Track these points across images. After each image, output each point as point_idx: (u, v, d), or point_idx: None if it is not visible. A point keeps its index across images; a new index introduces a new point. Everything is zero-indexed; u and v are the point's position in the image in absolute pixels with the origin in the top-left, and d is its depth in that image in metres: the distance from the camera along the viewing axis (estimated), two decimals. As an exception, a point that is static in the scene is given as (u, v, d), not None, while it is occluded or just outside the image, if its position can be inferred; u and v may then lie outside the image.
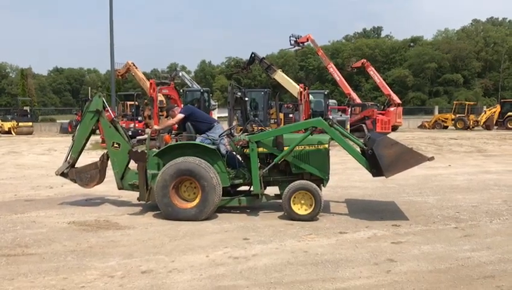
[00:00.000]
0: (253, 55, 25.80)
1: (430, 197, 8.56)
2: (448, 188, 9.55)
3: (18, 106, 35.81)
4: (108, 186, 8.70)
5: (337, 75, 31.79)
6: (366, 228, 6.30)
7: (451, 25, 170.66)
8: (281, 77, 24.67)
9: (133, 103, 28.52)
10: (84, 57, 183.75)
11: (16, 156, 17.07)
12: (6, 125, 31.92)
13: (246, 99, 17.98)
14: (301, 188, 6.74)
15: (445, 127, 35.84)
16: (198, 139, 7.45)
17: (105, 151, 8.07)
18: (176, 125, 8.24)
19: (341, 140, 7.05)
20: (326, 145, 7.05)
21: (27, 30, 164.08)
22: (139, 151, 7.48)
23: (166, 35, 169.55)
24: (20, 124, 32.24)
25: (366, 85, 72.60)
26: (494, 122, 34.62)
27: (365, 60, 35.36)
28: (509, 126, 33.67)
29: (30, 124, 33.11)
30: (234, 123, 14.95)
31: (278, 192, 7.28)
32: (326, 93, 26.30)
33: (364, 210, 7.40)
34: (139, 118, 26.95)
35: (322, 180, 7.12)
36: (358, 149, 7.32)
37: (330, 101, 29.78)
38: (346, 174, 11.39)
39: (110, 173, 7.96)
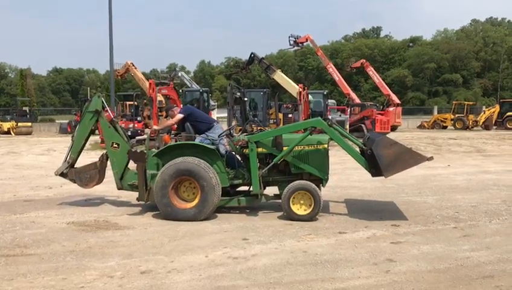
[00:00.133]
0: (252, 55, 25.80)
1: (429, 197, 8.57)
2: (448, 188, 9.55)
3: (17, 106, 35.79)
4: (108, 186, 8.70)
5: (337, 75, 31.80)
6: (365, 228, 6.30)
7: (450, 25, 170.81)
8: (280, 77, 24.67)
9: (132, 103, 28.51)
10: (83, 57, 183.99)
11: (15, 156, 17.06)
12: (6, 125, 31.89)
13: (245, 99, 17.97)
14: (300, 188, 6.74)
15: (445, 127, 35.86)
16: (198, 140, 7.45)
17: (104, 151, 8.06)
18: (175, 126, 8.24)
19: (340, 140, 7.05)
20: (326, 145, 7.06)
21: (26, 30, 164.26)
22: (138, 151, 7.48)
23: (165, 35, 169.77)
24: (19, 124, 32.21)
25: (366, 85, 72.63)
26: (493, 122, 34.67)
27: (364, 60, 35.39)
28: (508, 126, 33.71)
29: (29, 124, 33.09)
30: (233, 123, 14.95)
31: (277, 192, 7.28)
32: (325, 93, 26.30)
33: (364, 210, 7.40)
34: (139, 118, 26.96)
35: (321, 180, 7.13)
36: (358, 149, 7.32)
37: (329, 101, 29.77)
38: (345, 174, 11.39)
39: (109, 173, 7.96)
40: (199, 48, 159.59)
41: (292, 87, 23.28)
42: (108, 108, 8.11)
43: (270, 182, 7.28)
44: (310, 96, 22.59)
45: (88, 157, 11.33)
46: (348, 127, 23.92)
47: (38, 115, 46.78)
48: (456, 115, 35.68)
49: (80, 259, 5.09)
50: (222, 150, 7.36)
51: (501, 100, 42.11)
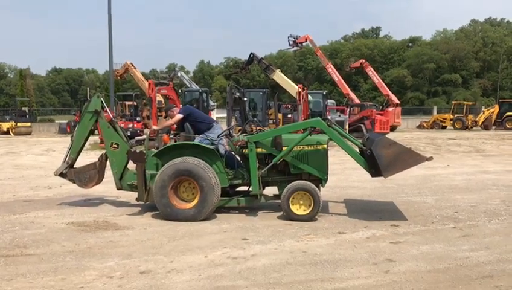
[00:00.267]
0: (251, 55, 25.79)
1: (428, 197, 8.57)
2: (447, 188, 9.56)
3: (16, 106, 35.71)
4: (107, 186, 8.69)
5: (336, 76, 31.79)
6: (364, 228, 6.31)
7: (449, 25, 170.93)
8: (279, 77, 24.67)
9: (131, 103, 28.49)
10: (82, 57, 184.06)
11: (14, 156, 17.05)
12: (5, 125, 31.86)
13: (245, 99, 17.97)
14: (300, 189, 6.74)
15: (444, 127, 35.90)
16: (197, 140, 7.45)
17: (104, 151, 8.06)
18: (175, 126, 8.24)
19: (340, 140, 7.05)
20: (325, 146, 7.06)
21: (26, 30, 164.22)
22: (137, 151, 7.47)
23: (165, 35, 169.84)
24: (19, 124, 32.18)
25: (365, 85, 72.64)
26: (493, 122, 34.71)
27: (364, 60, 35.36)
28: (508, 126, 33.75)
29: (28, 124, 33.06)
30: (233, 123, 14.96)
31: (277, 192, 7.28)
32: (324, 93, 26.31)
33: (363, 210, 7.40)
34: (138, 119, 26.95)
35: (320, 181, 7.13)
36: (357, 149, 7.32)
37: (329, 101, 29.78)
38: (344, 174, 11.39)
39: (108, 173, 7.96)
40: (198, 48, 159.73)
41: (291, 88, 23.28)
42: (107, 108, 8.10)
43: (269, 182, 7.28)
44: (309, 96, 22.60)
45: (87, 158, 11.32)
46: (347, 127, 23.94)
47: (37, 115, 46.75)
48: (456, 115, 35.72)
49: (79, 259, 5.09)
50: (221, 150, 7.36)
51: (500, 100, 42.15)
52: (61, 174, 7.99)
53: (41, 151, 18.67)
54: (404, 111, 39.66)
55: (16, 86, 60.13)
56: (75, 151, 7.99)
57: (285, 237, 5.89)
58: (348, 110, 28.85)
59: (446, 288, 4.27)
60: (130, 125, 25.04)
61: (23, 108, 36.66)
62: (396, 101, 31.45)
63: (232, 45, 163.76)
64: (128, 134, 12.66)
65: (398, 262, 4.94)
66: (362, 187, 9.56)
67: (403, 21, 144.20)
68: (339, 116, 27.89)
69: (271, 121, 22.00)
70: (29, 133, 31.94)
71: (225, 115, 20.28)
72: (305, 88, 22.15)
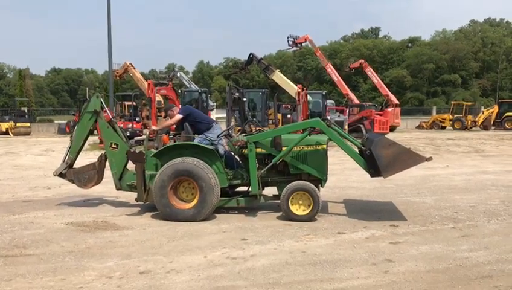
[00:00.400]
0: (251, 55, 25.79)
1: (428, 197, 8.57)
2: (446, 188, 9.56)
3: (15, 106, 35.69)
4: (107, 187, 8.69)
5: (335, 76, 31.79)
6: (364, 229, 6.31)
7: (449, 25, 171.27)
8: (279, 77, 24.67)
9: (131, 103, 28.48)
10: (82, 57, 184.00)
11: (13, 156, 17.04)
12: (4, 126, 31.84)
13: (244, 99, 18.01)
14: (299, 189, 6.74)
15: (443, 128, 35.92)
16: (197, 140, 7.45)
17: (103, 151, 8.06)
18: (174, 126, 8.24)
19: (339, 140, 7.05)
20: (325, 146, 7.06)
21: (25, 30, 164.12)
22: (137, 151, 7.47)
23: (164, 35, 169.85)
24: (18, 124, 32.17)
25: (364, 85, 72.66)
26: (492, 122, 34.73)
27: (363, 61, 35.37)
28: (507, 126, 33.76)
29: (28, 124, 33.05)
30: (232, 124, 14.97)
31: (276, 192, 7.28)
32: (324, 93, 26.33)
33: (362, 210, 7.40)
34: (137, 119, 26.94)
35: (320, 181, 7.13)
36: (356, 150, 7.32)
37: (328, 101, 29.79)
38: (344, 174, 11.40)
39: (108, 173, 7.96)
40: (198, 48, 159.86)
41: (291, 88, 23.28)
42: (107, 108, 8.10)
43: (269, 182, 7.28)
44: (308, 96, 22.62)
45: (87, 158, 11.32)
46: (346, 127, 23.94)
47: (36, 115, 46.73)
48: (455, 116, 35.74)
49: (78, 259, 5.09)
50: (221, 150, 7.36)
51: (499, 100, 42.17)
52: (61, 175, 7.99)
53: (41, 152, 18.66)
54: (403, 111, 39.66)
55: (15, 86, 60.12)
56: (75, 151, 7.99)
57: (284, 237, 5.89)
58: (347, 111, 28.87)
59: (445, 288, 4.27)
60: (130, 126, 25.03)
61: (22, 108, 36.65)
62: (396, 101, 31.46)
63: (232, 45, 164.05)
64: (128, 134, 12.66)
65: (398, 262, 4.94)
66: (361, 187, 9.56)
67: (402, 21, 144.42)
68: (339, 116, 27.91)
69: (270, 121, 22.01)
70: (28, 134, 31.93)
71: (224, 115, 20.28)
72: (305, 88, 22.17)
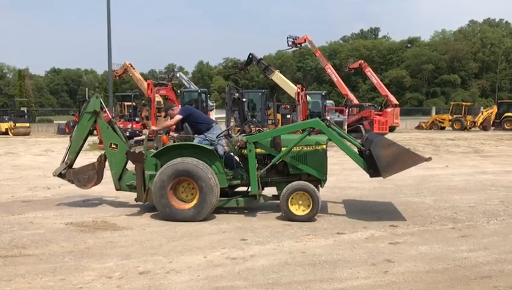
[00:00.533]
0: (250, 56, 25.81)
1: (427, 197, 8.58)
2: (446, 188, 9.57)
3: (15, 106, 35.66)
4: (106, 187, 8.69)
5: (335, 76, 31.81)
6: (363, 229, 6.31)
7: (448, 26, 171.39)
8: (278, 77, 24.68)
9: (130, 103, 28.48)
10: (81, 57, 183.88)
11: (13, 157, 17.03)
12: (4, 126, 31.82)
13: (244, 100, 18.00)
14: (299, 189, 6.74)
15: (443, 128, 35.92)
16: (196, 140, 7.45)
17: (102, 152, 8.06)
18: (174, 126, 8.24)
19: (338, 141, 7.06)
20: (324, 146, 7.06)
21: (25, 30, 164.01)
22: (136, 152, 7.47)
23: (164, 35, 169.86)
24: (17, 124, 32.15)
25: (364, 86, 72.66)
26: (491, 123, 34.74)
27: (362, 61, 35.39)
28: (506, 127, 33.79)
29: (27, 124, 33.03)
30: (232, 124, 14.96)
31: (276, 193, 7.28)
32: (323, 94, 26.35)
33: (362, 211, 7.41)
34: (137, 119, 26.93)
35: (319, 181, 7.13)
36: (356, 150, 7.33)
37: (328, 101, 29.83)
38: (343, 175, 11.40)
39: (107, 173, 7.96)
40: (197, 48, 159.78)
41: (290, 88, 23.29)
42: (106, 108, 8.10)
43: (268, 182, 7.28)
44: (308, 97, 22.63)
45: (86, 158, 11.31)
46: (346, 127, 23.96)
47: (36, 115, 46.71)
48: (454, 116, 35.74)
49: (78, 260, 5.09)
50: (220, 150, 7.36)
51: (499, 101, 42.21)
52: (60, 175, 7.99)
53: (40, 152, 18.65)
54: (402, 112, 39.68)
55: (15, 87, 60.03)
56: (74, 151, 7.99)
57: (284, 238, 5.89)
58: (346, 111, 28.89)
59: (445, 288, 4.28)
60: (129, 126, 25.02)
61: (21, 108, 36.61)
62: (395, 101, 31.48)
63: (231, 45, 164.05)
64: (127, 134, 12.64)
65: (397, 262, 4.95)
66: (361, 188, 9.56)
67: (401, 22, 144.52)
68: (338, 116, 27.95)
69: (270, 122, 22.02)
70: (27, 134, 31.91)
71: (224, 115, 20.28)
72: (304, 89, 22.19)
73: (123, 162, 7.65)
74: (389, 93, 32.03)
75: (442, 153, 17.21)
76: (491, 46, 76.97)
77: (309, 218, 6.70)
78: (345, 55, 74.96)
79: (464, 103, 37.90)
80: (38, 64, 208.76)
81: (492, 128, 34.47)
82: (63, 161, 8.01)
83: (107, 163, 7.89)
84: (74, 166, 8.06)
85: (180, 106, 19.97)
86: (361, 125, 25.71)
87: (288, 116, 23.43)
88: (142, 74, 30.98)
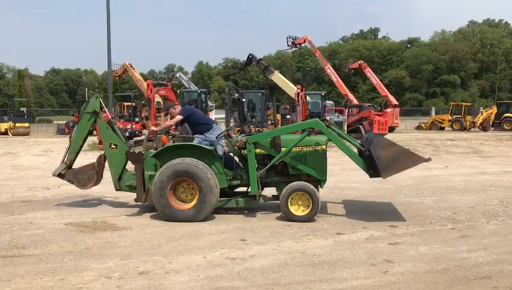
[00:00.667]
0: (250, 56, 25.83)
1: (427, 198, 8.58)
2: (445, 189, 9.57)
3: (14, 106, 35.64)
4: (106, 187, 8.68)
5: (335, 76, 31.81)
6: (363, 229, 6.31)
7: (448, 26, 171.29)
8: (278, 78, 24.70)
9: (130, 104, 28.48)
10: (81, 57, 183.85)
11: (12, 157, 17.02)
12: (3, 126, 31.79)
13: (243, 100, 17.97)
14: (299, 189, 6.74)
15: (442, 128, 35.93)
16: (196, 141, 7.45)
17: (102, 152, 8.06)
18: (174, 127, 8.23)
19: (338, 141, 7.05)
20: (324, 146, 7.06)
21: (24, 30, 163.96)
22: (136, 152, 7.47)
23: (164, 36, 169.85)
24: (17, 125, 32.11)
25: (363, 86, 72.72)
26: (491, 123, 34.75)
27: (362, 61, 35.41)
28: (506, 127, 33.80)
29: (27, 125, 32.99)
30: (231, 124, 14.96)
31: (276, 193, 7.29)
32: (323, 94, 26.39)
33: (362, 211, 7.41)
34: (136, 119, 26.94)
35: (319, 181, 7.13)
36: (356, 150, 7.33)
37: (327, 102, 29.85)
38: (343, 175, 11.40)
39: (107, 174, 7.95)
40: (197, 48, 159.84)
41: (290, 88, 23.31)
42: (106, 109, 8.10)
43: (268, 183, 7.28)
44: (308, 97, 22.67)
45: (86, 158, 11.31)
46: (345, 128, 23.96)
47: (35, 115, 46.69)
48: (454, 116, 35.75)
49: (77, 260, 5.09)
50: (220, 151, 7.36)
51: (498, 101, 42.28)
52: (60, 175, 7.99)
53: (40, 152, 18.63)
54: (402, 112, 39.71)
55: (14, 87, 60.00)
56: (74, 151, 7.99)
57: (283, 238, 5.89)
58: (346, 111, 28.89)
59: (444, 289, 4.28)
60: (129, 126, 25.02)
61: (21, 108, 36.60)
62: (395, 102, 31.48)
63: (231, 45, 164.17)
64: (127, 135, 12.64)
65: (397, 263, 4.95)
66: (361, 188, 9.56)
67: (401, 22, 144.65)
68: (338, 117, 27.97)
69: (270, 122, 22.03)
70: (27, 134, 31.88)
71: (223, 115, 20.28)
72: (304, 89, 22.22)
73: (123, 162, 7.65)
74: (388, 94, 32.03)
75: (442, 154, 17.21)
76: (491, 47, 77.05)
77: (309, 218, 6.70)
78: (345, 56, 74.93)
79: (463, 104, 37.91)
80: (37, 65, 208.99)
81: (491, 128, 34.48)
82: (63, 161, 8.01)
83: (106, 163, 7.88)
84: (74, 166, 8.05)
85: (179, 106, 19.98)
86: (361, 126, 25.71)
87: (288, 116, 23.45)
88: (141, 74, 31.02)
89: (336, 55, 79.83)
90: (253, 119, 16.96)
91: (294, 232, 6.14)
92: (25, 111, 36.13)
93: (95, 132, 8.72)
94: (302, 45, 31.52)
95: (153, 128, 8.09)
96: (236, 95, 16.08)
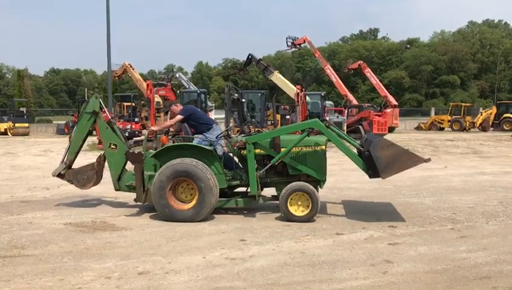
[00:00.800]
0: (250, 56, 25.83)
1: (426, 198, 8.59)
2: (445, 189, 9.57)
3: (14, 107, 35.62)
4: (105, 187, 8.68)
5: (334, 77, 31.82)
6: (362, 229, 6.31)
7: (447, 26, 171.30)
8: (277, 78, 24.70)
9: (129, 104, 28.48)
10: (81, 58, 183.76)
11: (12, 157, 17.01)
12: (3, 126, 31.75)
13: (243, 100, 17.97)
14: (298, 190, 6.74)
15: (442, 129, 35.94)
16: (196, 141, 7.45)
17: (102, 152, 8.06)
18: (173, 127, 8.22)
19: (338, 141, 7.06)
20: (323, 147, 7.07)
21: (24, 31, 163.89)
22: (135, 152, 7.47)
23: (163, 36, 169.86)
24: (17, 125, 32.08)
25: (363, 87, 72.71)
26: (490, 123, 34.76)
27: (362, 62, 35.41)
28: (505, 128, 33.79)
29: (26, 125, 32.97)
30: (231, 124, 14.96)
31: (275, 193, 7.29)
32: (323, 94, 26.41)
33: (361, 211, 7.41)
34: (136, 119, 26.94)
35: (319, 182, 7.14)
36: (355, 150, 7.33)
37: (327, 102, 29.84)
38: (342, 175, 11.40)
39: (107, 174, 7.95)
40: (197, 48, 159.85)
41: (290, 89, 23.32)
42: (105, 109, 8.10)
43: (267, 183, 7.28)
44: (307, 97, 22.66)
45: (85, 158, 11.30)
46: (345, 128, 23.97)
47: (35, 115, 46.61)
48: (453, 117, 35.76)
49: (77, 260, 5.09)
50: (219, 151, 7.36)
51: (498, 102, 42.27)
52: (59, 175, 7.99)
53: (39, 152, 18.62)
54: (402, 112, 39.71)
55: (14, 87, 59.95)
56: (73, 152, 7.99)
57: (283, 238, 5.89)
58: (346, 112, 28.89)
59: (444, 289, 4.28)
60: (128, 126, 25.03)
61: (21, 108, 36.58)
62: (394, 102, 31.50)
63: (231, 45, 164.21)
64: (126, 135, 12.63)
65: (396, 263, 4.95)
66: (360, 188, 9.57)
67: (401, 22, 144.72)
68: (337, 117, 27.96)
69: (269, 122, 22.03)
70: (27, 134, 31.86)
71: (223, 116, 20.29)
72: (303, 89, 22.21)
73: (122, 162, 7.65)
74: (388, 94, 32.04)
75: (441, 154, 17.21)
76: (490, 47, 77.08)
77: (308, 218, 6.70)
78: (344, 56, 74.94)
79: (463, 104, 37.92)
80: (37, 65, 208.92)
81: (491, 129, 34.47)
82: (62, 161, 8.00)
83: (106, 163, 7.88)
84: (73, 166, 8.05)
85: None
86: (360, 126, 25.70)
87: (288, 116, 23.46)
88: (141, 74, 31.04)
89: (336, 56, 79.83)
90: (253, 120, 16.96)
91: (294, 233, 6.15)
92: (24, 111, 36.12)
93: (94, 132, 8.72)
94: (302, 45, 31.54)
95: (153, 128, 8.09)
96: (236, 95, 16.06)
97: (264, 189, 7.37)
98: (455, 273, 4.65)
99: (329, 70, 32.02)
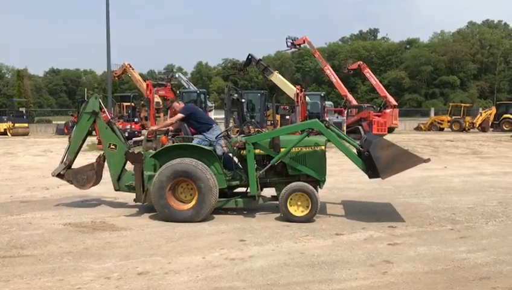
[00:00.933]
0: (249, 56, 25.83)
1: (426, 198, 8.59)
2: (444, 189, 9.58)
3: (14, 107, 35.61)
4: (105, 187, 8.68)
5: (334, 77, 31.81)
6: (362, 230, 6.31)
7: (447, 27, 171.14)
8: (277, 78, 24.71)
9: (129, 104, 28.48)
10: (80, 58, 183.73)
11: (11, 157, 17.00)
12: (2, 126, 31.75)
13: (243, 100, 17.99)
14: (298, 190, 6.74)
15: (441, 129, 35.96)
16: (196, 141, 7.45)
17: (101, 152, 8.05)
18: (172, 127, 8.22)
19: (337, 142, 7.06)
20: (323, 147, 7.07)
21: (24, 31, 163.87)
22: (135, 152, 7.47)
23: (163, 36, 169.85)
24: (16, 125, 32.08)
25: (363, 87, 72.75)
26: (490, 124, 34.77)
27: (361, 62, 35.43)
28: (505, 128, 33.81)
29: (26, 125, 32.97)
30: (231, 125, 14.96)
31: (275, 193, 7.29)
32: (322, 95, 26.41)
33: (361, 212, 7.41)
34: (136, 120, 26.93)
35: (318, 182, 7.13)
36: (355, 151, 7.33)
37: (327, 102, 29.84)
38: (342, 175, 11.40)
39: (106, 174, 7.95)
40: (197, 48, 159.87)
41: (289, 89, 23.32)
42: (105, 109, 8.09)
43: (267, 183, 7.28)
44: (307, 97, 22.66)
45: (85, 158, 11.29)
46: (345, 128, 23.97)
47: (35, 115, 46.64)
48: (453, 117, 35.78)
49: (76, 260, 5.08)
50: (219, 151, 7.35)
51: (497, 102, 42.30)
52: (59, 175, 7.98)
53: (39, 152, 18.61)
54: (401, 113, 39.73)
55: (14, 87, 59.94)
56: (73, 152, 7.98)
57: (283, 239, 5.89)
58: (345, 112, 28.89)
59: (443, 289, 4.28)
60: (128, 126, 25.02)
61: (20, 109, 36.59)
62: (394, 102, 31.51)
63: (231, 45, 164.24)
64: (126, 135, 12.64)
65: (396, 263, 4.95)
66: (360, 188, 9.57)
67: (400, 23, 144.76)
68: (337, 117, 27.95)
69: (269, 123, 22.03)
70: (26, 134, 31.85)
71: (223, 116, 20.30)
72: (303, 89, 22.20)
73: (122, 162, 7.65)
74: (388, 94, 32.05)
75: (441, 154, 17.22)
76: (490, 48, 77.15)
77: (308, 219, 6.70)
78: (344, 56, 75.01)
79: (462, 104, 37.95)
80: (37, 65, 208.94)
81: (490, 129, 34.49)
82: (62, 162, 8.00)
83: (106, 163, 7.88)
84: (73, 166, 8.05)
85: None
86: (360, 126, 25.71)
87: (287, 117, 23.45)
88: (141, 75, 31.05)
89: (335, 56, 79.89)
90: (253, 120, 16.98)
91: (294, 233, 6.14)
92: (24, 111, 36.13)
93: (94, 132, 8.72)
94: (302, 45, 31.53)
95: (153, 127, 8.08)
96: (236, 95, 16.07)
97: (264, 189, 7.37)
98: (455, 274, 4.65)
99: (329, 71, 32.01)
